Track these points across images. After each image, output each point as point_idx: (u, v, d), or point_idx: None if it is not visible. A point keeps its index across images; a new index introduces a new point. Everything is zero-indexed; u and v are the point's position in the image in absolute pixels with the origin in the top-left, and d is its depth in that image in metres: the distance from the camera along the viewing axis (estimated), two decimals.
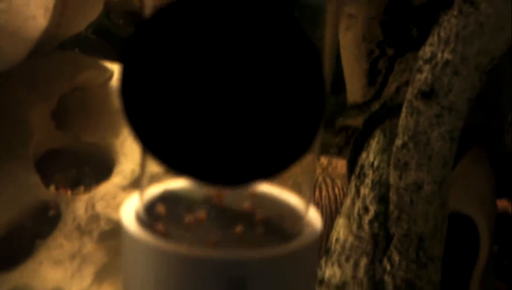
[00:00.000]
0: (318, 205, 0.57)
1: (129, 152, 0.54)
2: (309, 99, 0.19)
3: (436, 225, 0.44)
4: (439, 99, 0.42)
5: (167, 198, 0.24)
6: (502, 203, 0.70)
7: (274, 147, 0.19)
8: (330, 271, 0.46)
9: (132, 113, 0.19)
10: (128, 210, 0.23)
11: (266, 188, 0.25)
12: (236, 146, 0.19)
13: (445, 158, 0.43)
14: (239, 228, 0.23)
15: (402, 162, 0.44)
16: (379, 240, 0.46)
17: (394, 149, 0.45)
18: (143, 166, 0.23)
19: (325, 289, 0.45)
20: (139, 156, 0.25)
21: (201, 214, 0.24)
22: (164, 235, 0.22)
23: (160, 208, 0.24)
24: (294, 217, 0.24)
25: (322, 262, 0.47)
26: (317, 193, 0.58)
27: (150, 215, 0.23)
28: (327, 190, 0.58)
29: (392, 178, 0.45)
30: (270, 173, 0.19)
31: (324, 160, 0.65)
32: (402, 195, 0.44)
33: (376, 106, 0.55)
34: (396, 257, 0.45)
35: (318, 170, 0.63)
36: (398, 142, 0.44)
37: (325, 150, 0.74)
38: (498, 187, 0.60)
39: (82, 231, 0.50)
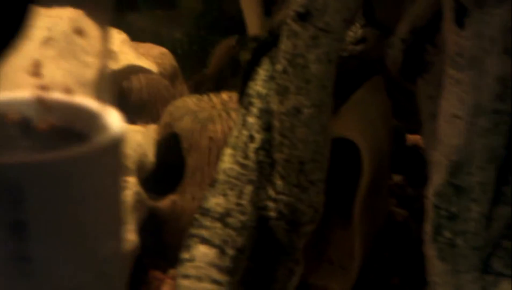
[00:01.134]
0: (213, 139, 0.57)
1: None
2: None
3: (316, 149, 0.44)
4: (314, 20, 0.41)
5: None
6: (414, 137, 0.72)
7: None
8: (215, 200, 0.45)
9: None
10: None
11: (61, 97, 0.24)
12: None
13: (323, 80, 0.43)
14: (26, 138, 0.22)
15: (282, 87, 0.44)
16: (264, 167, 0.46)
17: (275, 74, 0.44)
18: None
19: (209, 219, 0.45)
20: None
21: None
22: None
23: None
24: (86, 122, 0.23)
25: (207, 192, 0.46)
26: (212, 127, 0.57)
27: None
28: (222, 124, 0.57)
29: (275, 104, 0.45)
30: None
31: (225, 95, 0.64)
32: (283, 120, 0.44)
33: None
34: (279, 182, 0.45)
35: (218, 105, 0.62)
36: (279, 66, 0.44)
37: (229, 86, 0.73)
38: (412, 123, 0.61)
39: None
